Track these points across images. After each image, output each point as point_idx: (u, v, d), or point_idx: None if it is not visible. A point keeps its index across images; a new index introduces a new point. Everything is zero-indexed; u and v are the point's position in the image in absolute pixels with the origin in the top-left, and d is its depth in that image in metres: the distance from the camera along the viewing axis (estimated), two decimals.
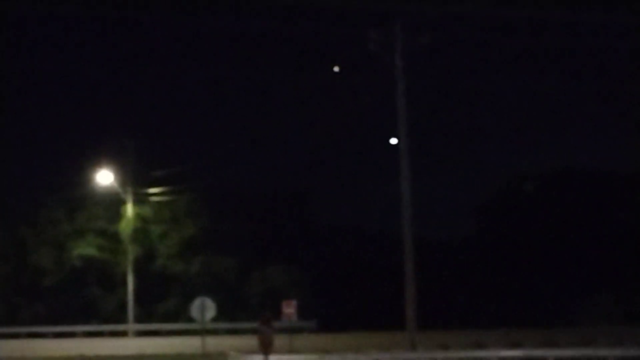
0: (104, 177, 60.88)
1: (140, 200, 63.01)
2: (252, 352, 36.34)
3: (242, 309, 61.91)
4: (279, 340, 36.91)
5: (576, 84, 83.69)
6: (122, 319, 62.07)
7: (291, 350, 39.70)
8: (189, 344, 47.57)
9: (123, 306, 62.59)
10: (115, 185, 61.31)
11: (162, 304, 63.78)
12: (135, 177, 62.52)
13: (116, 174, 61.37)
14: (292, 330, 43.11)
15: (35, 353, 48.51)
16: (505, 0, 39.11)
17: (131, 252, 62.79)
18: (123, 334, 60.90)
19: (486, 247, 70.75)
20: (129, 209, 62.79)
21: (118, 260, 64.22)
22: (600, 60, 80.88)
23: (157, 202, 63.45)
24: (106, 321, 62.55)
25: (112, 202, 63.80)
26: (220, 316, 44.04)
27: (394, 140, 41.77)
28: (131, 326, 61.35)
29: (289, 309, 42.14)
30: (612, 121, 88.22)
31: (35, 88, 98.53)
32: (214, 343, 44.24)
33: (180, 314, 60.12)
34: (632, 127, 74.94)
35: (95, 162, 61.47)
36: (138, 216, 63.08)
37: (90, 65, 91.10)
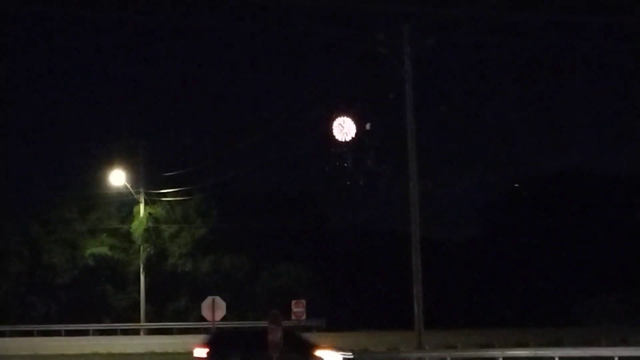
0: (116, 178, 61.53)
1: (152, 200, 63.67)
2: None
3: (252, 307, 62.42)
4: None
5: (583, 85, 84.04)
6: (134, 318, 62.66)
7: None
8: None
9: (135, 305, 63.22)
10: (127, 185, 61.96)
11: (173, 303, 64.37)
12: (147, 177, 63.20)
13: (128, 174, 62.03)
14: (301, 329, 43.65)
15: (48, 351, 49.14)
16: (510, 3, 39.55)
17: (143, 251, 63.44)
18: (135, 332, 61.46)
19: (492, 247, 71.08)
20: (141, 209, 63.45)
21: (130, 259, 64.88)
22: (605, 61, 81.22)
23: (169, 202, 64.08)
24: (118, 319, 63.09)
25: (124, 202, 64.55)
26: (230, 315, 44.53)
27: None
28: (143, 324, 61.94)
29: (299, 308, 42.72)
30: (618, 123, 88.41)
31: (48, 88, 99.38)
32: None
33: (190, 312, 60.74)
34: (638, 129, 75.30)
35: (108, 162, 62.16)
36: (150, 216, 63.73)
37: (102, 65, 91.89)
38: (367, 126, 43.84)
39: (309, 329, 53.66)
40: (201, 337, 30.09)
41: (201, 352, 29.16)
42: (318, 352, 28.67)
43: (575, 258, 65.96)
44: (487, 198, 77.36)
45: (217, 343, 29.44)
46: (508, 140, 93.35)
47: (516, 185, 76.84)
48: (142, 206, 63.50)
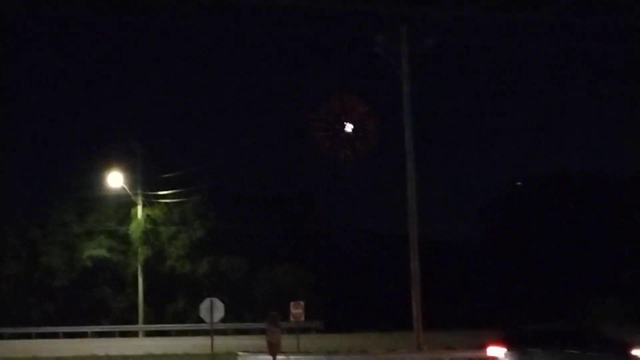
0: (114, 180, 61.60)
1: (149, 202, 63.69)
2: (260, 352, 36.81)
3: (250, 309, 62.46)
4: (286, 340, 37.43)
5: (585, 85, 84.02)
6: (132, 320, 62.71)
7: (298, 350, 40.17)
8: (198, 343, 48.11)
9: (133, 307, 63.24)
10: (125, 187, 61.97)
11: (171, 305, 64.39)
12: (145, 179, 63.23)
13: (126, 176, 62.07)
14: (299, 330, 43.61)
15: (46, 353, 49.00)
16: (509, 4, 39.53)
17: (141, 253, 63.43)
18: (133, 334, 61.48)
19: (491, 248, 71.12)
20: (139, 211, 63.45)
21: (128, 261, 64.90)
22: (607, 62, 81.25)
23: (167, 204, 64.09)
24: (116, 321, 63.19)
25: (122, 204, 64.57)
26: (228, 316, 44.50)
27: None
28: (141, 326, 61.96)
29: (297, 309, 42.61)
30: (622, 124, 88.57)
31: (46, 90, 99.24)
32: (222, 343, 44.74)
33: (189, 314, 60.74)
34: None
35: (105, 164, 62.22)
36: (148, 218, 63.74)
37: (100, 67, 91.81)
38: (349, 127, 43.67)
39: (307, 330, 53.72)
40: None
41: (497, 350, 26.74)
42: (635, 351, 25.75)
43: (576, 259, 65.96)
44: (487, 199, 77.44)
45: (518, 341, 26.69)
46: (509, 140, 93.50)
47: (518, 183, 76.77)
48: (139, 208, 63.53)
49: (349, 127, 42.90)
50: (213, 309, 38.58)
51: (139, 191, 63.08)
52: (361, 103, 42.88)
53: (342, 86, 43.34)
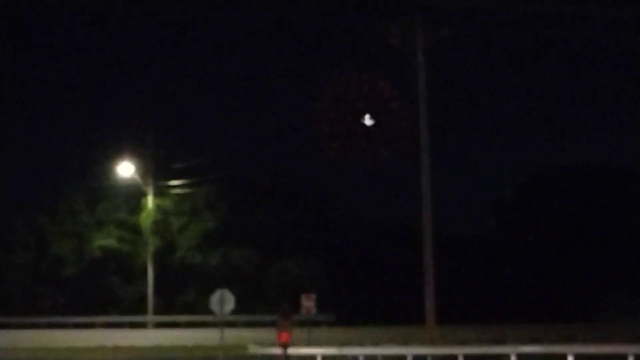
0: (125, 169, 61.35)
1: (160, 192, 63.40)
2: (270, 344, 36.46)
3: (261, 301, 62.17)
4: (298, 333, 37.05)
5: (604, 79, 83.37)
6: (142, 310, 62.45)
7: (309, 343, 39.81)
8: (208, 335, 47.76)
9: (142, 297, 62.99)
10: (136, 177, 61.71)
11: (181, 296, 64.18)
12: (156, 169, 62.95)
13: (137, 166, 61.79)
14: (310, 323, 43.23)
15: (55, 343, 48.81)
16: None
17: (151, 243, 63.17)
18: (142, 325, 61.24)
19: (505, 242, 70.74)
20: (150, 201, 63.15)
21: (138, 251, 64.65)
22: (625, 55, 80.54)
23: (177, 194, 63.83)
24: (125, 312, 62.97)
25: (132, 194, 64.31)
26: (238, 308, 44.18)
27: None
28: (150, 317, 61.70)
29: (309, 302, 42.21)
30: (633, 119, 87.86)
31: (58, 81, 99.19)
32: (232, 335, 44.40)
33: (199, 305, 60.38)
34: None
35: (116, 154, 61.97)
36: (158, 208, 63.48)
37: (111, 57, 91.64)
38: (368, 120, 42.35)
39: (318, 323, 53.32)
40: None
41: None
42: None
43: (589, 254, 65.59)
44: (501, 192, 77.00)
45: None
46: (524, 133, 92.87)
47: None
48: (150, 198, 63.24)
49: (368, 120, 41.37)
50: (223, 301, 38.29)
51: (150, 181, 62.78)
52: (386, 86, 41.61)
53: (356, 76, 42.58)
